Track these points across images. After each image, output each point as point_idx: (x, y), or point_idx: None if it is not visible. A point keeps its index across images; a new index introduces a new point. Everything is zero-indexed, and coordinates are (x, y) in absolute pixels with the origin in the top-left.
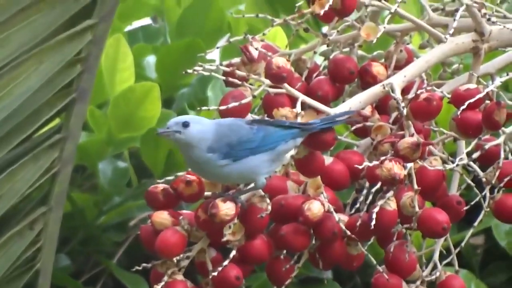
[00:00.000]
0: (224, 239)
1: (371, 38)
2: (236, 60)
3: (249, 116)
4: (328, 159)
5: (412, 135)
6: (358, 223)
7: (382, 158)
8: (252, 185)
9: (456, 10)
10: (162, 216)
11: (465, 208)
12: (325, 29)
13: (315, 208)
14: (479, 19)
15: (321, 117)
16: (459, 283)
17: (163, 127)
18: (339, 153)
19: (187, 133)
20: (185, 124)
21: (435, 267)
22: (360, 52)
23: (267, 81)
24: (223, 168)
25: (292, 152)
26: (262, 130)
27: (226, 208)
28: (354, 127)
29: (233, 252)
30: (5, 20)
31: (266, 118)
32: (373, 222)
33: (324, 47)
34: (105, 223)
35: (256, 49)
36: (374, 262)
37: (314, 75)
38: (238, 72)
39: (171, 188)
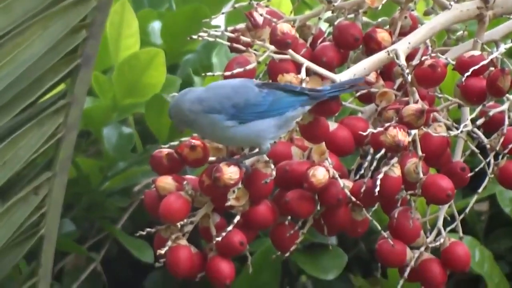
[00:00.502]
0: (228, 203)
1: (376, 5)
2: (241, 26)
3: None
4: (332, 125)
5: (416, 102)
6: (362, 189)
7: (387, 124)
8: (256, 150)
9: None
10: (166, 181)
11: (469, 174)
12: None
13: (320, 174)
14: None
15: (329, 84)
16: (463, 250)
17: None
18: (343, 119)
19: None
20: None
21: (439, 233)
22: (364, 18)
23: (272, 47)
24: (229, 130)
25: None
26: (271, 94)
27: (230, 172)
28: (358, 93)
29: (237, 218)
30: None
31: (277, 83)
32: (378, 189)
33: (329, 13)
34: (110, 189)
35: (261, 15)
36: (379, 228)
37: (319, 41)
38: (243, 38)
39: (176, 153)
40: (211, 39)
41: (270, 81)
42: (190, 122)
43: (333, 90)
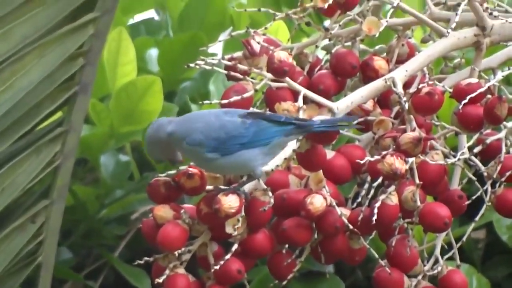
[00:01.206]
0: (233, 234)
1: (373, 32)
2: (238, 54)
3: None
4: (330, 153)
5: (413, 130)
6: (360, 218)
7: (384, 152)
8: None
9: (458, 5)
10: (164, 210)
11: (467, 202)
12: (327, 23)
13: (317, 202)
14: (481, 13)
15: (321, 118)
16: (460, 278)
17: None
18: (340, 148)
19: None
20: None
21: (436, 261)
22: (362, 46)
23: (269, 75)
24: (213, 162)
25: (294, 146)
26: (254, 125)
27: (229, 201)
28: (356, 121)
29: (235, 246)
30: (8, 13)
31: (261, 112)
32: (375, 217)
33: (326, 41)
34: (107, 217)
35: (258, 43)
36: (376, 256)
37: (316, 69)
38: (240, 66)
39: (173, 181)
40: (208, 67)
41: (268, 109)
42: (172, 152)
43: (322, 125)
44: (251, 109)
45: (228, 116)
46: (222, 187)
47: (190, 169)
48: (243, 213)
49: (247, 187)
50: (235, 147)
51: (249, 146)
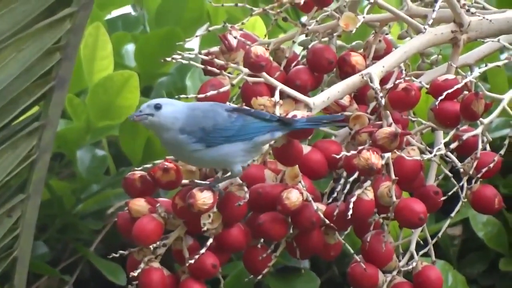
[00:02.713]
0: (203, 227)
1: (350, 28)
2: (215, 49)
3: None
4: (306, 148)
5: (390, 125)
6: (335, 213)
7: (360, 147)
8: (229, 173)
9: (435, 1)
10: (139, 204)
11: (443, 198)
12: (304, 18)
13: (293, 196)
14: (458, 10)
15: (306, 116)
16: (435, 274)
17: (136, 111)
18: (317, 143)
19: (159, 115)
20: (157, 106)
21: (411, 257)
22: (339, 42)
23: (246, 70)
24: (196, 153)
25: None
26: (240, 119)
27: (204, 197)
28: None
29: (210, 240)
30: None
31: (248, 108)
32: (351, 212)
33: (303, 37)
34: (83, 211)
35: (235, 38)
36: (352, 251)
37: (293, 64)
38: (217, 61)
39: (149, 175)
40: (185, 61)
41: (244, 104)
42: (162, 138)
43: (308, 123)
44: (238, 105)
45: (216, 108)
46: (198, 181)
47: (166, 163)
48: (215, 209)
49: (223, 183)
50: (219, 139)
51: (233, 139)
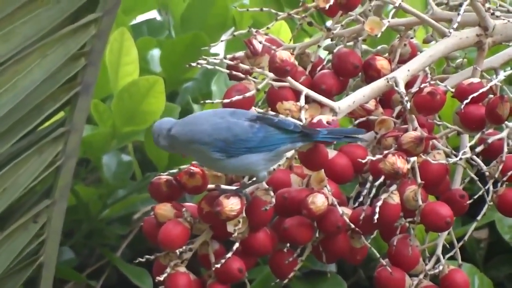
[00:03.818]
0: (234, 234)
1: (375, 32)
2: (240, 53)
3: (253, 111)
4: (331, 153)
5: (415, 129)
6: (361, 217)
7: (386, 152)
8: (254, 178)
9: (460, 5)
10: (165, 208)
11: (468, 202)
12: (329, 23)
13: (319, 201)
14: (483, 13)
15: (328, 128)
16: (462, 277)
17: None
18: (342, 147)
19: (159, 141)
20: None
21: (438, 260)
22: (364, 46)
23: (271, 75)
24: (218, 162)
25: None
26: (263, 130)
27: (231, 204)
28: (357, 121)
29: (236, 245)
30: (10, 13)
31: (271, 117)
32: (376, 216)
33: (328, 41)
34: (109, 217)
35: (260, 42)
36: (378, 255)
37: (318, 68)
38: (242, 66)
39: (175, 180)
40: (210, 66)
41: (269, 108)
42: (179, 148)
43: (329, 135)
44: (260, 112)
45: (235, 117)
46: (224, 186)
47: (192, 168)
48: (244, 215)
49: (249, 188)
50: (241, 150)
51: (254, 150)
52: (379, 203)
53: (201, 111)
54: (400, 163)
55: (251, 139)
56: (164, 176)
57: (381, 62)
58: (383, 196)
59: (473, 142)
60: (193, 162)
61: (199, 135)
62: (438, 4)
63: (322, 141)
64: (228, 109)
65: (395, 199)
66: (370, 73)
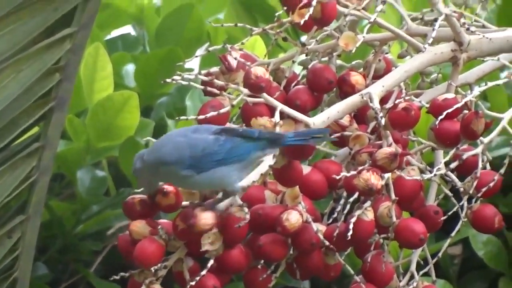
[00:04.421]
0: (203, 248)
1: (350, 48)
2: (215, 69)
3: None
4: (306, 169)
5: (390, 145)
6: (335, 233)
7: (360, 168)
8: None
9: (435, 20)
10: (140, 225)
11: (443, 218)
12: (304, 38)
13: (293, 218)
14: (458, 28)
15: (294, 131)
16: None
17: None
18: (317, 163)
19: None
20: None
21: (412, 277)
22: (338, 61)
23: (246, 91)
24: (188, 179)
25: (271, 161)
26: (229, 141)
27: (205, 218)
28: (332, 136)
29: (211, 262)
30: None
31: (236, 127)
32: (350, 232)
33: (302, 57)
34: (83, 232)
35: (234, 58)
36: (352, 272)
37: (293, 84)
38: (217, 81)
39: (148, 199)
40: (184, 82)
41: (244, 124)
42: (152, 175)
43: (296, 138)
44: (226, 125)
45: (197, 133)
46: (198, 202)
47: (166, 186)
48: (216, 230)
49: (223, 204)
50: (210, 164)
51: (224, 162)
52: (353, 220)
53: (166, 134)
54: (374, 179)
55: (218, 152)
56: (137, 196)
57: (356, 78)
58: (357, 212)
59: (447, 158)
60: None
61: (164, 156)
62: (413, 19)
63: (291, 145)
64: (191, 126)
65: (369, 215)
66: (344, 89)
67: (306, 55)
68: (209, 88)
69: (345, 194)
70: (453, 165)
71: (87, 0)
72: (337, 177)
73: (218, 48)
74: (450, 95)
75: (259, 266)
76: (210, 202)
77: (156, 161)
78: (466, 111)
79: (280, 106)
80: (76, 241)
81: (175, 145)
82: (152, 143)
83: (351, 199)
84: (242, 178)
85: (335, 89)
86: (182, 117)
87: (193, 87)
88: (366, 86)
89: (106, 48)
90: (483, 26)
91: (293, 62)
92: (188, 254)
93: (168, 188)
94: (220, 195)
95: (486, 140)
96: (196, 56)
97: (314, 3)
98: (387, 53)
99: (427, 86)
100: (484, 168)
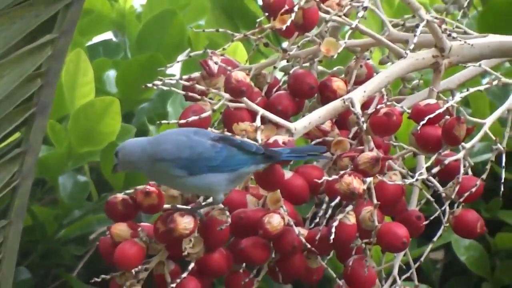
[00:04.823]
0: (184, 251)
1: (331, 53)
2: (196, 74)
3: (211, 131)
4: (287, 173)
5: (371, 150)
6: (317, 237)
7: (342, 172)
8: (210, 199)
9: (417, 26)
10: (121, 228)
11: (425, 223)
12: (285, 44)
13: (275, 221)
14: (439, 34)
15: (291, 147)
16: None
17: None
18: (298, 167)
19: (118, 160)
20: (116, 155)
21: (394, 281)
22: (320, 67)
23: (227, 95)
24: (179, 179)
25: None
26: (225, 150)
27: (184, 222)
28: (314, 142)
29: (192, 265)
30: None
31: (233, 138)
32: (332, 236)
33: (284, 62)
34: (65, 237)
35: (216, 63)
36: (334, 276)
37: (274, 89)
38: (198, 87)
39: (131, 199)
40: (166, 87)
41: (226, 129)
42: (140, 166)
43: (292, 154)
44: (224, 134)
45: (198, 136)
46: (179, 206)
47: (148, 187)
48: (196, 234)
49: (204, 208)
50: (203, 169)
51: (217, 170)
52: (335, 224)
53: (167, 130)
54: (356, 183)
55: (213, 158)
56: (120, 195)
57: (337, 83)
58: (339, 216)
59: (429, 163)
60: (150, 182)
61: (163, 153)
62: (394, 25)
63: (286, 160)
64: (192, 128)
65: (351, 219)
66: (326, 94)
67: (288, 61)
68: (190, 93)
69: (326, 198)
70: (435, 170)
71: (68, 6)
72: (319, 182)
73: (199, 53)
74: (432, 101)
75: (241, 270)
76: (192, 207)
77: (152, 156)
78: (448, 117)
79: (261, 111)
80: (59, 246)
81: (177, 144)
82: None
83: (333, 204)
84: (229, 190)
85: (316, 94)
86: (163, 122)
87: (175, 92)
88: (348, 92)
89: (87, 54)
90: (465, 32)
91: (275, 67)
92: (169, 257)
93: (151, 188)
94: (201, 199)
95: (468, 145)
96: (177, 62)
97: (295, 9)
98: (368, 59)
99: (409, 92)
100: (466, 173)
